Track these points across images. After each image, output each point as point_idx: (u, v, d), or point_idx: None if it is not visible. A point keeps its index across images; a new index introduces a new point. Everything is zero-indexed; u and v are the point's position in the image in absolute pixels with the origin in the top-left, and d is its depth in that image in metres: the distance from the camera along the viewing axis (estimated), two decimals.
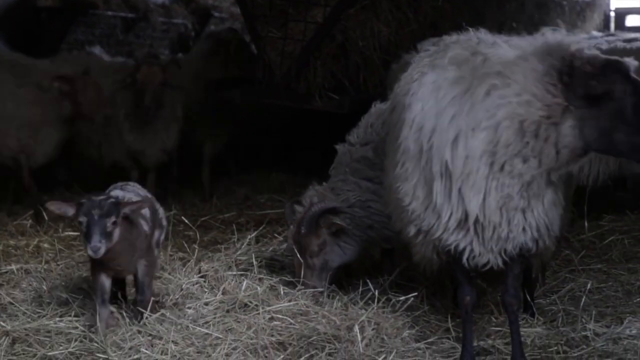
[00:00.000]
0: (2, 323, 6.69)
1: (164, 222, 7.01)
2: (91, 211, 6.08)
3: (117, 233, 6.21)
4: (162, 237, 6.99)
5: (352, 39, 11.06)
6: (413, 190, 5.86)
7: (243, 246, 8.41)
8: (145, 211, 6.62)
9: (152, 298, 6.69)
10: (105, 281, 6.46)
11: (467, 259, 5.91)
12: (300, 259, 7.45)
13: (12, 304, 7.18)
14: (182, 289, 7.20)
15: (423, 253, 6.06)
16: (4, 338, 6.46)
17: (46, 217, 9.85)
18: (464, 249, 5.87)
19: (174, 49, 15.67)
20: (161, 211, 7.02)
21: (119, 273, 6.62)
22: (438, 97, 5.76)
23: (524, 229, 5.77)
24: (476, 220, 5.72)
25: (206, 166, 12.23)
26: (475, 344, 6.28)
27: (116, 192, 6.66)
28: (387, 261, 7.99)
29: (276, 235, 9.12)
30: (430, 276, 6.54)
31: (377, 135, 7.55)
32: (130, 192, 6.82)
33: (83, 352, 6.20)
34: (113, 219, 6.14)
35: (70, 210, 6.20)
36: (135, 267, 6.55)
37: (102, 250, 6.06)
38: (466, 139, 5.59)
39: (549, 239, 5.95)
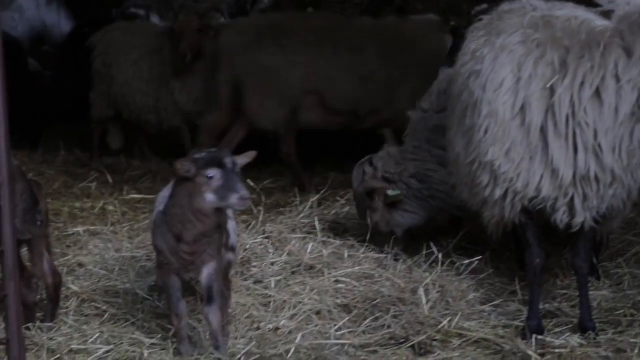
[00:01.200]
0: (70, 285, 6.79)
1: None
2: (223, 161, 5.41)
3: None
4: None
5: (411, 2, 10.99)
6: (506, 153, 5.86)
7: (306, 209, 8.41)
8: None
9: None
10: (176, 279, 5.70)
11: (561, 219, 5.92)
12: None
13: (80, 265, 7.27)
14: (246, 249, 7.22)
15: (503, 215, 6.04)
16: (72, 299, 6.56)
17: (110, 180, 9.96)
18: (559, 209, 5.89)
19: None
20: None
21: (186, 265, 5.66)
22: (527, 61, 5.85)
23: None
24: (595, 177, 5.78)
25: None
26: (541, 306, 6.23)
27: None
28: (450, 225, 7.95)
29: (338, 198, 9.10)
30: (497, 239, 6.48)
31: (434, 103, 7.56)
32: None
33: (150, 312, 6.25)
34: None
35: (192, 168, 5.42)
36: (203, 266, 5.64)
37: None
38: (611, 94, 5.70)
39: (630, 202, 6.00)
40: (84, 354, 5.67)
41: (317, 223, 7.90)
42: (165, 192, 5.75)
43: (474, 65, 6.08)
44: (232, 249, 5.94)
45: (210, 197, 5.37)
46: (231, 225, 5.89)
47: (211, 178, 5.36)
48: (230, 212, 5.81)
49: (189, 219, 5.45)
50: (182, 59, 10.67)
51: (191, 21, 10.70)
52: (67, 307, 6.42)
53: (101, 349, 5.69)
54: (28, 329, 5.87)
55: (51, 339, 5.87)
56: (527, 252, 6.16)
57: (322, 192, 9.15)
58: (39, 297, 6.27)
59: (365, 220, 7.63)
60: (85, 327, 6.10)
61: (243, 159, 5.57)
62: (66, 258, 7.43)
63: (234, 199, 5.34)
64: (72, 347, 5.76)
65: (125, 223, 8.39)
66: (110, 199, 9.35)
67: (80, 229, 8.22)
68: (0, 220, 4.82)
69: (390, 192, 7.50)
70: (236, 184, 5.34)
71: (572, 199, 5.85)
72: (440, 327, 6.05)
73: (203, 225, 5.47)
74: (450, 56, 7.69)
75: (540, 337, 5.96)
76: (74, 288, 6.73)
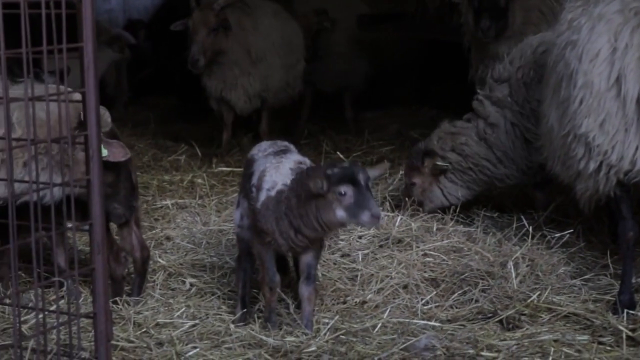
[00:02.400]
0: (158, 258, 6.84)
1: None
2: (355, 178, 5.28)
3: None
4: None
5: None
6: (600, 125, 5.73)
7: (395, 182, 8.34)
8: None
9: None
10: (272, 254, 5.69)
11: None
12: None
13: (168, 238, 7.31)
14: None
15: (597, 188, 5.90)
16: (159, 272, 6.60)
17: (199, 153, 10.00)
18: None
19: None
20: None
21: (294, 250, 5.69)
22: (623, 30, 5.70)
23: None
24: None
25: (348, 104, 12.12)
26: (633, 280, 6.08)
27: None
28: (539, 196, 7.82)
29: None
30: (589, 212, 6.33)
31: (515, 73, 7.48)
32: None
33: (236, 286, 6.26)
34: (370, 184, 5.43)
35: (324, 184, 5.29)
36: (307, 249, 5.63)
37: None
38: None
39: None
40: (170, 328, 5.70)
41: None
42: (273, 173, 5.62)
43: (570, 35, 5.96)
44: None
45: (340, 214, 5.30)
46: None
47: (343, 195, 5.27)
48: None
49: (314, 225, 5.41)
50: (193, 63, 9.94)
51: (206, 18, 9.98)
52: (154, 281, 6.46)
53: (187, 323, 5.70)
54: (115, 302, 5.94)
55: (138, 313, 5.91)
56: (620, 224, 6.01)
57: None
58: (126, 270, 6.32)
59: (409, 194, 7.75)
60: (171, 300, 6.14)
61: (375, 172, 5.56)
62: (154, 231, 7.50)
63: (365, 216, 5.24)
64: (158, 320, 5.79)
65: (214, 196, 8.43)
66: (199, 172, 9.40)
67: (168, 202, 8.29)
68: (89, 193, 4.85)
69: (439, 163, 7.57)
70: (368, 201, 5.25)
71: None
72: (529, 301, 5.96)
73: (327, 232, 5.56)
74: None
75: (632, 311, 5.83)
76: (161, 261, 6.78)
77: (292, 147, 5.97)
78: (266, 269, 5.64)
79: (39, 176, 5.11)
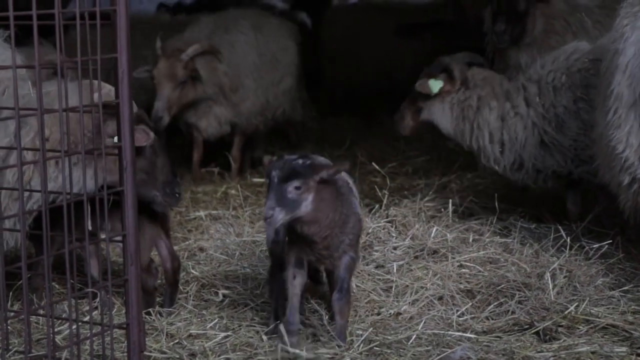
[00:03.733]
0: (191, 269, 6.83)
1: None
2: (270, 173, 5.16)
3: (309, 200, 5.17)
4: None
5: None
6: (626, 138, 5.66)
7: (430, 193, 8.30)
8: (354, 186, 5.69)
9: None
10: (298, 277, 5.52)
11: None
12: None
13: (201, 250, 7.30)
14: (369, 233, 7.14)
15: (636, 201, 5.82)
16: (192, 283, 6.59)
17: (233, 164, 9.98)
18: None
19: None
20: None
21: (320, 262, 5.56)
22: None
23: None
24: None
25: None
26: None
27: None
28: (571, 208, 7.74)
29: (465, 182, 8.98)
30: (633, 223, 6.26)
31: (546, 75, 7.47)
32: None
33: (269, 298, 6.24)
34: (296, 183, 5.11)
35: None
36: (340, 259, 5.49)
37: (277, 220, 5.09)
38: None
39: None
40: (203, 339, 5.67)
41: (441, 207, 7.78)
42: None
43: (617, 43, 5.91)
44: None
45: None
46: None
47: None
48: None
49: None
50: (156, 120, 8.99)
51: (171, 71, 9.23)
52: (187, 292, 6.45)
53: (220, 334, 5.68)
54: (148, 313, 5.92)
55: (170, 324, 5.89)
56: None
57: (448, 175, 9.03)
58: (158, 281, 6.32)
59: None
60: (204, 312, 6.12)
61: (325, 172, 5.26)
62: (187, 242, 7.50)
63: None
64: (191, 331, 5.77)
65: (247, 207, 8.41)
66: (233, 183, 9.39)
67: (202, 213, 8.28)
68: (122, 204, 4.86)
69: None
70: (267, 200, 5.15)
71: None
72: (566, 312, 5.87)
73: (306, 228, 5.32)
74: None
75: None
76: (194, 273, 6.77)
77: (318, 158, 5.66)
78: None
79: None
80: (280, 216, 5.08)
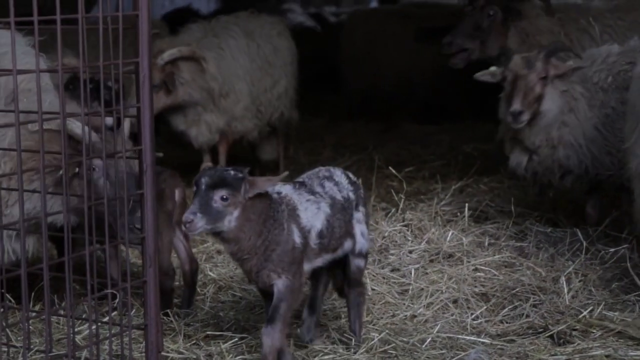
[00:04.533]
0: (208, 271, 6.89)
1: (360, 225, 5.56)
2: (198, 181, 4.95)
3: (234, 216, 4.97)
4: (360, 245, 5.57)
5: None
6: (633, 145, 5.66)
7: (447, 197, 8.33)
8: (304, 211, 5.24)
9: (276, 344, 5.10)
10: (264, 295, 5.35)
11: None
12: None
13: (219, 252, 7.35)
14: (385, 237, 7.18)
15: None
16: (210, 286, 6.65)
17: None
18: None
19: None
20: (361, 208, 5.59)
21: (253, 280, 5.26)
22: None
23: None
24: None
25: None
26: None
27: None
28: (590, 212, 7.74)
29: (481, 185, 8.99)
30: None
31: (591, 77, 7.37)
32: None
33: None
34: (223, 193, 4.91)
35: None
36: (270, 282, 5.15)
37: (197, 227, 4.87)
38: None
39: None
40: (220, 340, 5.72)
41: (458, 210, 7.82)
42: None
43: None
44: (361, 255, 5.53)
45: None
46: (358, 229, 5.50)
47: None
48: (359, 216, 5.50)
49: None
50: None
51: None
52: (204, 294, 6.51)
53: (236, 336, 5.72)
54: (166, 314, 5.98)
55: (188, 325, 5.95)
56: None
57: (464, 179, 9.05)
58: (176, 283, 6.38)
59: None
60: (221, 313, 6.17)
61: (264, 184, 5.08)
62: (205, 245, 7.55)
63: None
64: (208, 333, 5.81)
65: None
66: None
67: None
68: (142, 208, 4.92)
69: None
70: (190, 207, 4.95)
71: None
72: (580, 316, 5.91)
73: (223, 245, 5.23)
74: None
75: None
76: (212, 275, 6.84)
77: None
78: None
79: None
80: (200, 224, 4.87)
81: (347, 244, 5.46)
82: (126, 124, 5.57)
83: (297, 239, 5.16)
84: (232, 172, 4.99)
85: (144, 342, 5.08)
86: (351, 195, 5.48)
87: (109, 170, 5.52)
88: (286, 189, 5.27)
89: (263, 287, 5.23)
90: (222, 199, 4.91)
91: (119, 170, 5.40)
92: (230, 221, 4.95)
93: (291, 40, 10.41)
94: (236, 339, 5.67)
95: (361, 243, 5.52)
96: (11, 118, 4.89)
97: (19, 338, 5.62)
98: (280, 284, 5.11)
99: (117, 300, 5.75)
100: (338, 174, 5.53)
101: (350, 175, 5.61)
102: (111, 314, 5.48)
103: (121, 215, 5.04)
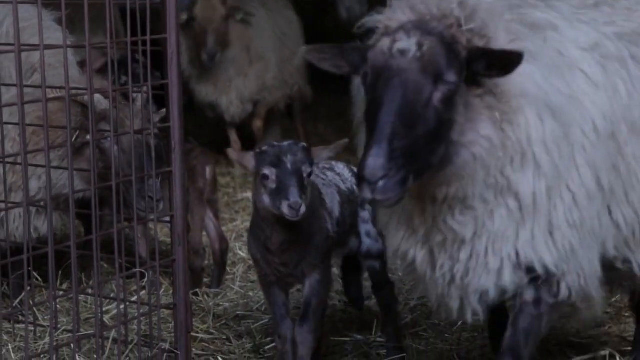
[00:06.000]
0: (238, 250, 6.85)
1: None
2: (282, 158, 4.53)
3: (309, 193, 4.63)
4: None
5: None
6: None
7: None
8: (327, 196, 4.96)
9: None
10: (279, 293, 4.90)
11: None
12: None
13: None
14: None
15: None
16: (239, 265, 6.61)
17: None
18: None
19: None
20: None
21: (283, 277, 4.86)
22: None
23: None
24: None
25: None
26: None
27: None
28: None
29: None
30: None
31: None
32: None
33: None
34: (309, 169, 4.57)
35: (250, 161, 4.66)
36: (304, 278, 4.83)
37: (303, 210, 4.45)
38: None
39: None
40: (249, 320, 5.69)
41: None
42: None
43: None
44: (371, 256, 5.16)
45: (265, 200, 4.57)
46: (363, 229, 5.14)
47: (267, 179, 4.53)
48: (365, 215, 5.12)
49: (260, 224, 4.75)
50: (211, 57, 9.17)
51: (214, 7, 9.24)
52: (233, 273, 6.47)
53: (266, 316, 5.68)
54: (195, 294, 5.94)
55: (217, 305, 5.92)
56: None
57: None
58: (206, 262, 6.34)
59: None
60: (250, 293, 6.13)
61: (325, 153, 4.73)
62: (235, 224, 7.52)
63: (284, 207, 4.45)
64: (238, 313, 5.79)
65: None
66: None
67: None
68: (170, 185, 4.87)
69: None
70: (288, 189, 4.47)
71: None
72: None
73: (279, 232, 4.69)
74: None
75: None
76: (241, 254, 6.80)
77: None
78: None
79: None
80: (304, 207, 4.47)
81: (353, 242, 5.13)
82: (139, 100, 5.50)
83: (329, 226, 4.88)
84: (302, 145, 4.65)
85: (173, 322, 5.06)
86: (356, 189, 4.83)
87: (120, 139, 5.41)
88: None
89: (292, 282, 4.92)
90: (308, 175, 4.56)
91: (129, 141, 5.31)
92: (307, 198, 4.56)
93: (296, 14, 10.38)
94: (266, 320, 5.63)
95: (368, 243, 5.13)
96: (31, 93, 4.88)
97: (46, 317, 5.62)
98: (313, 278, 4.79)
99: (145, 279, 5.73)
100: (340, 166, 5.23)
101: (355, 169, 4.84)
102: (140, 293, 5.48)
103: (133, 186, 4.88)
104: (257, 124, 9.84)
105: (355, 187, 4.93)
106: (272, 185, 4.49)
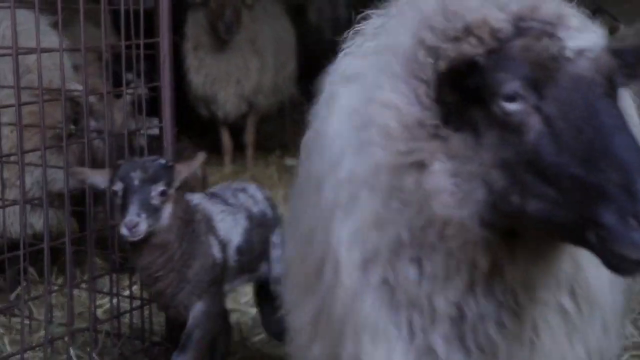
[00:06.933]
0: None
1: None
2: (130, 174, 4.20)
3: (167, 211, 4.28)
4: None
5: None
6: None
7: None
8: (220, 222, 4.62)
9: None
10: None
11: None
12: None
13: None
14: None
15: None
16: None
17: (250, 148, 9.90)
18: None
19: None
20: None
21: (163, 306, 4.58)
22: None
23: None
24: None
25: None
26: None
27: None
28: None
29: None
30: None
31: None
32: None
33: None
34: (161, 187, 4.22)
35: (101, 180, 4.38)
36: (187, 308, 4.47)
37: (142, 229, 4.10)
38: None
39: None
40: (238, 314, 5.78)
41: None
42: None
43: None
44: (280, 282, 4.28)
45: (118, 218, 4.31)
46: (275, 254, 4.79)
47: (115, 194, 4.25)
48: (277, 239, 4.79)
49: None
50: (229, 27, 9.16)
51: None
52: None
53: (253, 309, 5.69)
54: None
55: None
56: None
57: None
58: None
59: None
60: (238, 288, 6.19)
61: (183, 170, 4.39)
62: None
63: (122, 227, 4.14)
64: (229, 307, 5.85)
65: (280, 188, 8.37)
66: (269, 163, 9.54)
67: None
68: None
69: None
70: (127, 207, 4.14)
71: None
72: None
73: (139, 255, 4.34)
74: None
75: None
76: None
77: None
78: None
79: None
80: (144, 226, 4.13)
81: (264, 267, 4.81)
82: (127, 100, 5.57)
83: (217, 253, 4.53)
84: (162, 162, 4.37)
85: (164, 316, 5.15)
86: (268, 212, 4.82)
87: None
88: (197, 198, 4.65)
89: (177, 316, 4.54)
90: (161, 194, 4.22)
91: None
92: (165, 218, 4.26)
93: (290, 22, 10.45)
94: (254, 313, 5.68)
95: (279, 268, 4.66)
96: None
97: (40, 311, 5.69)
98: (196, 308, 4.44)
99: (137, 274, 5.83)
100: (253, 187, 4.94)
101: (267, 192, 5.01)
102: (132, 288, 5.57)
103: None
104: (250, 121, 9.85)
105: (268, 210, 4.80)
106: (119, 202, 4.21)
